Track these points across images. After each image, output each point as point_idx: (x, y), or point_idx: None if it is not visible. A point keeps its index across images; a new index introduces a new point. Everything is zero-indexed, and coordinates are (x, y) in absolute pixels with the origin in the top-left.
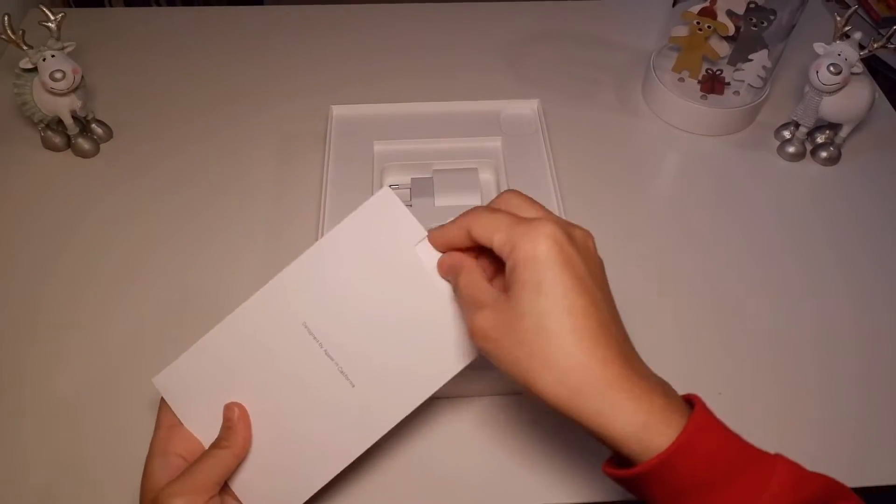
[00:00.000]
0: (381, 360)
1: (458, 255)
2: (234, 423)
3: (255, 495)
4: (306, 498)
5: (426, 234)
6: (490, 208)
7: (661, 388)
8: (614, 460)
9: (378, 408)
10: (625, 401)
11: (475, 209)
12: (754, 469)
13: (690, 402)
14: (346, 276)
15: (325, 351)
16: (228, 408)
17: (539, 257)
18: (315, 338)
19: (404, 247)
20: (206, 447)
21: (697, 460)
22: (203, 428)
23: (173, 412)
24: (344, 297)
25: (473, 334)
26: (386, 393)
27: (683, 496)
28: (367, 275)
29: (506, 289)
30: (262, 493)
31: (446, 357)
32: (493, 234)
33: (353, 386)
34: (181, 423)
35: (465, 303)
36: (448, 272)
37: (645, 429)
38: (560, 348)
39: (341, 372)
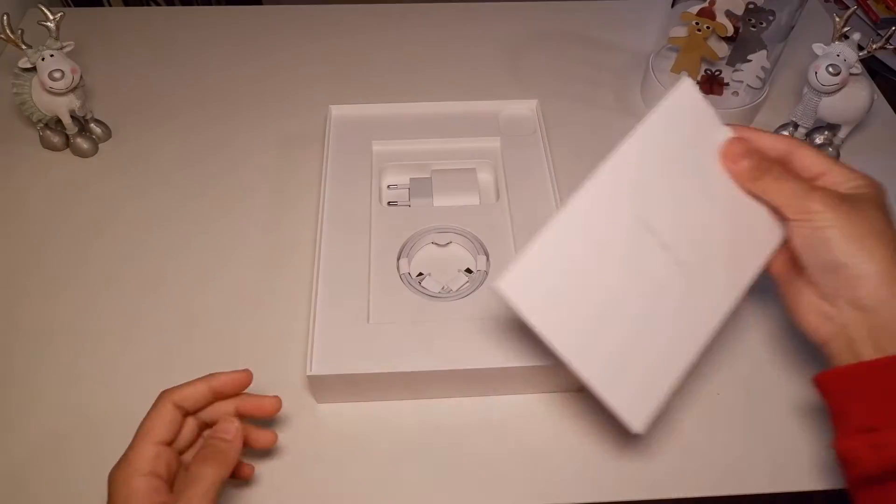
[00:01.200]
0: (709, 247)
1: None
2: (232, 440)
3: (622, 394)
4: (668, 388)
5: (728, 130)
6: (811, 147)
7: None
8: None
9: (714, 293)
10: None
11: (793, 140)
12: None
13: None
14: (663, 168)
15: (660, 242)
16: (227, 422)
17: (878, 200)
18: (648, 230)
19: (709, 137)
20: (564, 356)
21: None
22: (561, 335)
23: (162, 425)
24: (666, 188)
25: (821, 201)
26: (719, 277)
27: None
28: (680, 164)
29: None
30: (628, 391)
31: (763, 233)
32: (830, 166)
33: (689, 276)
34: (163, 441)
35: (795, 185)
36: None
37: None
38: (882, 245)
39: (676, 262)
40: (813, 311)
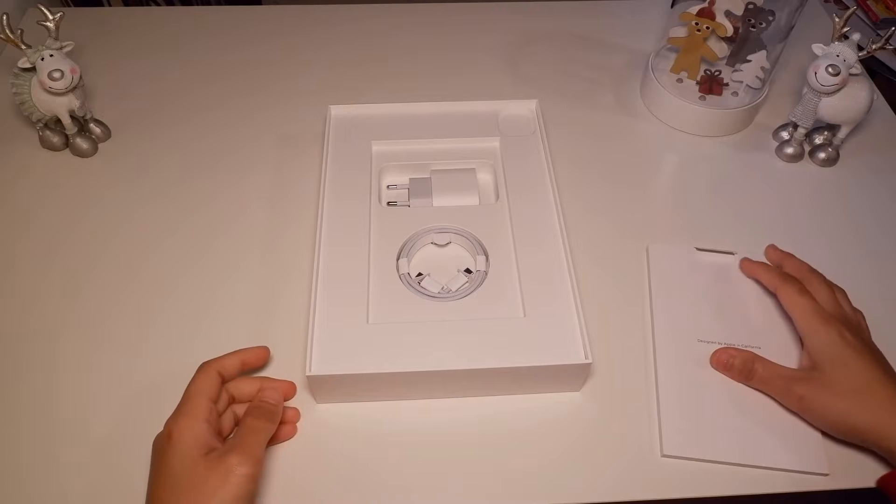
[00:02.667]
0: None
1: (741, 353)
2: (277, 403)
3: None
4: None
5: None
6: (801, 287)
7: None
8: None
9: None
10: None
11: (790, 280)
12: None
13: None
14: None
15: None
16: (270, 389)
17: (835, 347)
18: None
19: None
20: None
21: None
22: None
23: (211, 386)
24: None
25: (794, 402)
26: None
27: None
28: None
29: (806, 362)
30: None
31: None
32: (797, 316)
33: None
34: (213, 399)
35: (770, 382)
36: (732, 365)
37: None
38: (873, 393)
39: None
40: None
